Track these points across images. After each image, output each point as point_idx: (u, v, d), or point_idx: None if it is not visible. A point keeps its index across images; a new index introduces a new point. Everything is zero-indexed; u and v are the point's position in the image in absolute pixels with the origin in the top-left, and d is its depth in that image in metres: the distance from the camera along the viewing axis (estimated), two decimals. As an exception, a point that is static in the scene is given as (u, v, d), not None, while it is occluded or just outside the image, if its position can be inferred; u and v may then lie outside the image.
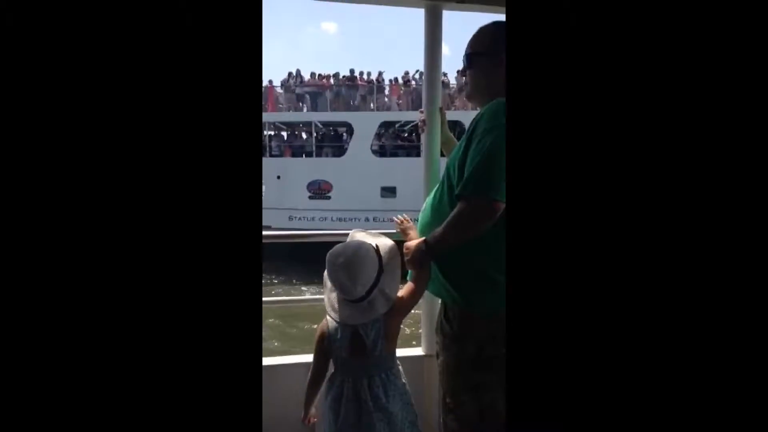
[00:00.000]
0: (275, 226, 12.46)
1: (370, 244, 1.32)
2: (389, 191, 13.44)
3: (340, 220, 13.63)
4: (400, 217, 1.47)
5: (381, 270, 1.29)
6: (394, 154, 14.19)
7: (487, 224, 1.14)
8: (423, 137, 1.68)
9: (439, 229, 1.23)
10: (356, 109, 14.45)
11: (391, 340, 1.31)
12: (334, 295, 1.32)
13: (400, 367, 1.36)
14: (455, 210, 1.19)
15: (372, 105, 14.59)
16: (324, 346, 1.34)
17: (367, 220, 13.54)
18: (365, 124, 13.94)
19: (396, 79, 14.70)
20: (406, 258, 1.32)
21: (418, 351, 1.82)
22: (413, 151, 14.30)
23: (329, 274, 1.29)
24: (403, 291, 1.34)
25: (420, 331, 1.83)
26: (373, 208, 13.39)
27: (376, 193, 13.59)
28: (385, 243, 1.37)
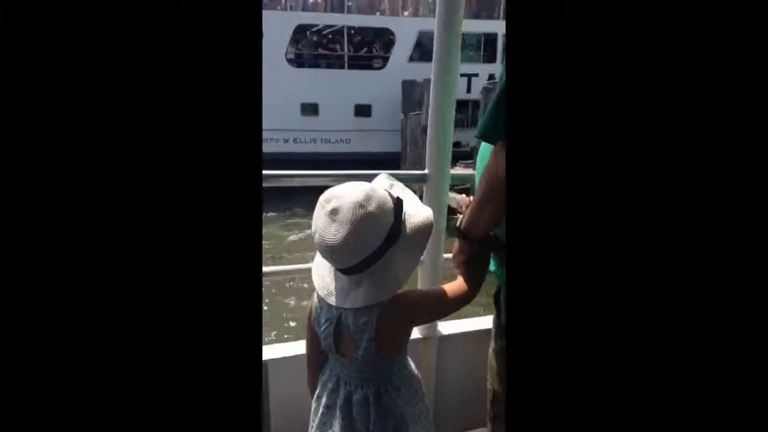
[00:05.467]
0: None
1: (387, 196, 0.86)
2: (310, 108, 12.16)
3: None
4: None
5: (393, 236, 0.84)
6: (314, 65, 12.62)
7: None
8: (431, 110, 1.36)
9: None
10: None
11: (390, 345, 0.89)
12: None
13: (407, 383, 0.96)
14: None
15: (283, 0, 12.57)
16: (311, 323, 0.97)
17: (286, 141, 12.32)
18: (277, 26, 11.97)
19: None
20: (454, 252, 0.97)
21: (414, 333, 1.63)
22: (336, 62, 12.86)
23: (313, 222, 0.86)
24: (435, 287, 1.01)
25: None
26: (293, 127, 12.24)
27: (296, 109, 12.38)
28: (418, 207, 0.91)
